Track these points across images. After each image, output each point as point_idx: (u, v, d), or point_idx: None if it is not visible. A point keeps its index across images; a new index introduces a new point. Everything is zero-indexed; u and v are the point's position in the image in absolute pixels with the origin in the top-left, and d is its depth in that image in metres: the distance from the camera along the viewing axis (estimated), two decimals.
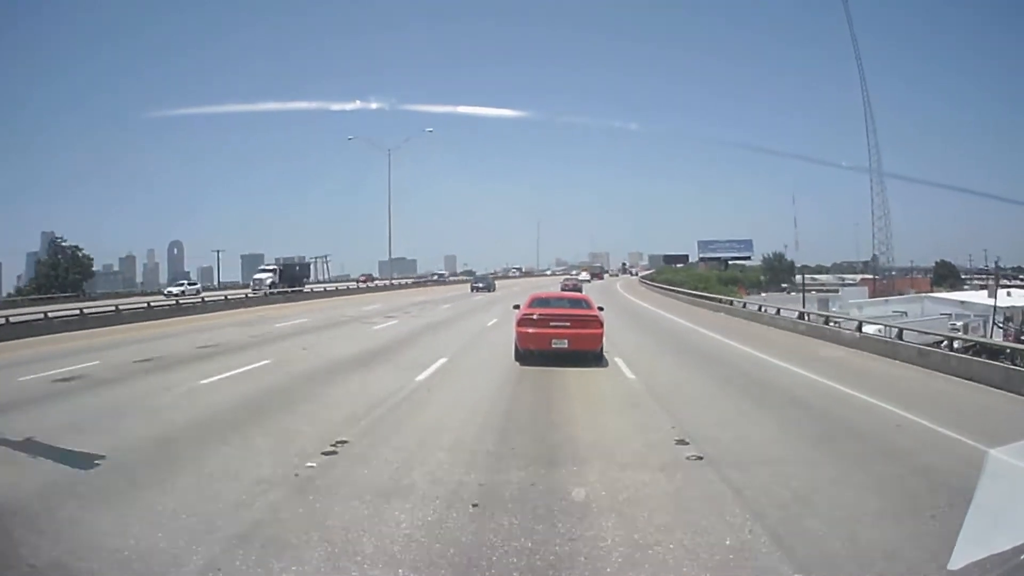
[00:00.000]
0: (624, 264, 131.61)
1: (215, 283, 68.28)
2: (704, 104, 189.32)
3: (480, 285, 48.78)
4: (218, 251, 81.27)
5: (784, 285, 69.23)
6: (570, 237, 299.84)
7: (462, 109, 3.54)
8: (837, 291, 61.25)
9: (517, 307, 12.64)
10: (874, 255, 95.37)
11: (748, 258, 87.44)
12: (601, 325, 11.62)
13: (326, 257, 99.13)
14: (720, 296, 32.04)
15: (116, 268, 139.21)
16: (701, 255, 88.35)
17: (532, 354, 11.23)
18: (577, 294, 17.86)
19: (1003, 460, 2.42)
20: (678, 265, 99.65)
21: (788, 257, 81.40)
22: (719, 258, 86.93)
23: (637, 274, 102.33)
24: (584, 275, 67.85)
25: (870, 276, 77.49)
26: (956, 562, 2.12)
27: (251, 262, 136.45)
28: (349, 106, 4.83)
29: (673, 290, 40.35)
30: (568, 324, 11.34)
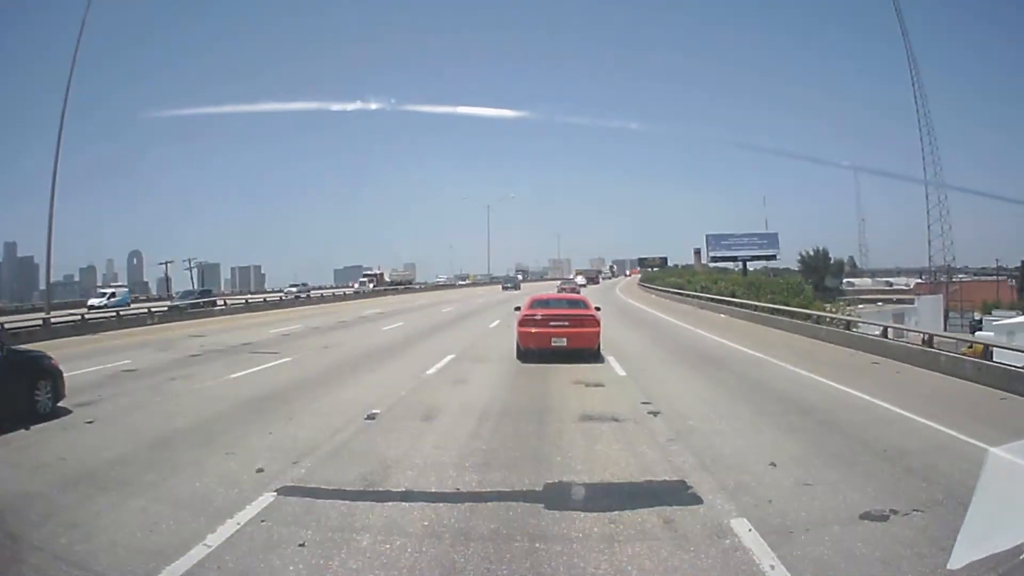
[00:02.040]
0: (613, 267, 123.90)
1: (169, 293, 57.75)
2: (693, 107, 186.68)
3: (509, 285, 61.05)
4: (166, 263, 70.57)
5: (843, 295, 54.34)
6: (529, 242, 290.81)
7: (461, 110, 3.55)
8: (912, 302, 48.72)
9: (518, 309, 13.29)
10: (850, 257, 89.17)
11: (774, 257, 69.30)
12: (598, 324, 12.34)
13: (189, 262, 72.00)
14: (808, 311, 20.96)
15: (77, 278, 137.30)
16: (712, 253, 69.34)
17: (532, 352, 11.90)
18: (575, 295, 18.11)
19: (1003, 459, 2.40)
20: (654, 268, 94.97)
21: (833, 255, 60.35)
22: (735, 257, 68.40)
23: (629, 274, 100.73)
24: (580, 279, 68.83)
25: (925, 280, 62.35)
26: (956, 562, 2.09)
27: (207, 271, 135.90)
28: (350, 106, 4.78)
29: (728, 301, 27.49)
30: (567, 323, 12.02)
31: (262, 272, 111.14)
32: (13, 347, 8.62)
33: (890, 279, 71.92)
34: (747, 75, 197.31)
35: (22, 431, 6.90)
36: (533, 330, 11.89)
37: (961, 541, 2.14)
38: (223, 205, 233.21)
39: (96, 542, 3.91)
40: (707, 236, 70.80)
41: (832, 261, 58.71)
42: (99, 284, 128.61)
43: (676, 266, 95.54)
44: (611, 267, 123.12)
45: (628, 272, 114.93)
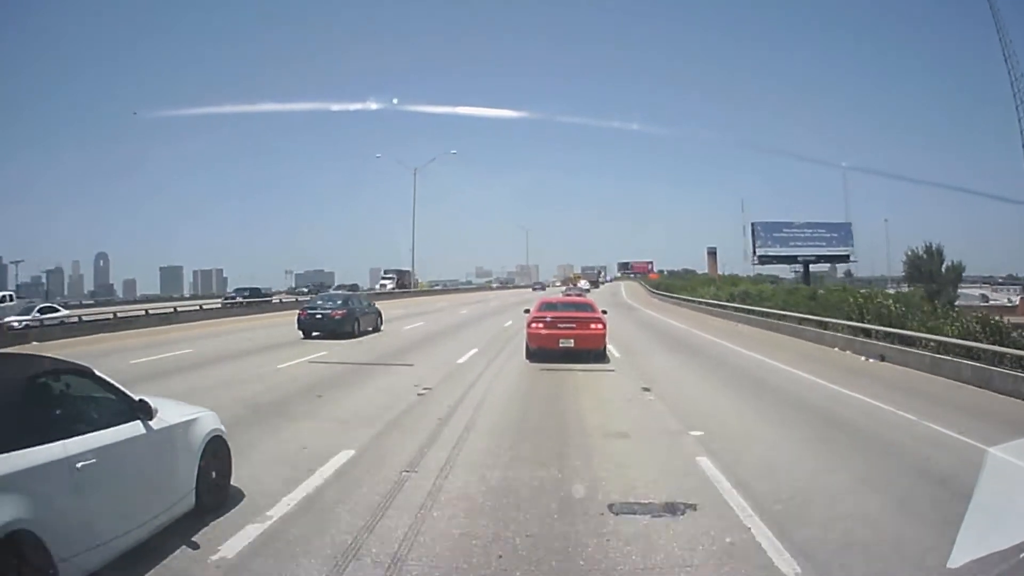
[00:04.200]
0: (600, 273, 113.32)
1: (135, 296, 53.66)
2: (675, 106, 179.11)
3: (538, 286, 71.16)
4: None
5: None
6: (493, 246, 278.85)
7: (461, 110, 3.57)
8: None
9: (527, 311, 13.85)
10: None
11: (847, 258, 50.34)
12: (604, 326, 12.75)
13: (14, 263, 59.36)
14: None
15: (44, 280, 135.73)
16: (761, 250, 49.21)
17: (541, 352, 12.32)
18: (581, 298, 18.46)
19: (1002, 459, 2.40)
20: (635, 275, 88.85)
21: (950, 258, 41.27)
22: (794, 257, 49.56)
23: (611, 280, 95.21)
24: (584, 283, 69.17)
25: None
26: (956, 560, 2.11)
27: (170, 275, 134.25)
28: (352, 107, 4.75)
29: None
30: (574, 325, 12.49)
31: (224, 276, 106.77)
32: (371, 303, 21.90)
33: (983, 291, 52.90)
34: (731, 74, 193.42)
35: (375, 334, 18.76)
36: (542, 331, 12.40)
37: (961, 540, 2.15)
38: (192, 207, 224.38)
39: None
40: (754, 226, 49.90)
41: (946, 265, 40.44)
42: (65, 287, 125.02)
43: (663, 272, 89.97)
44: (599, 272, 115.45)
45: (610, 278, 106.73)
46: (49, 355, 3.96)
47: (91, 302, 47.22)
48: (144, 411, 3.78)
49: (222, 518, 4.14)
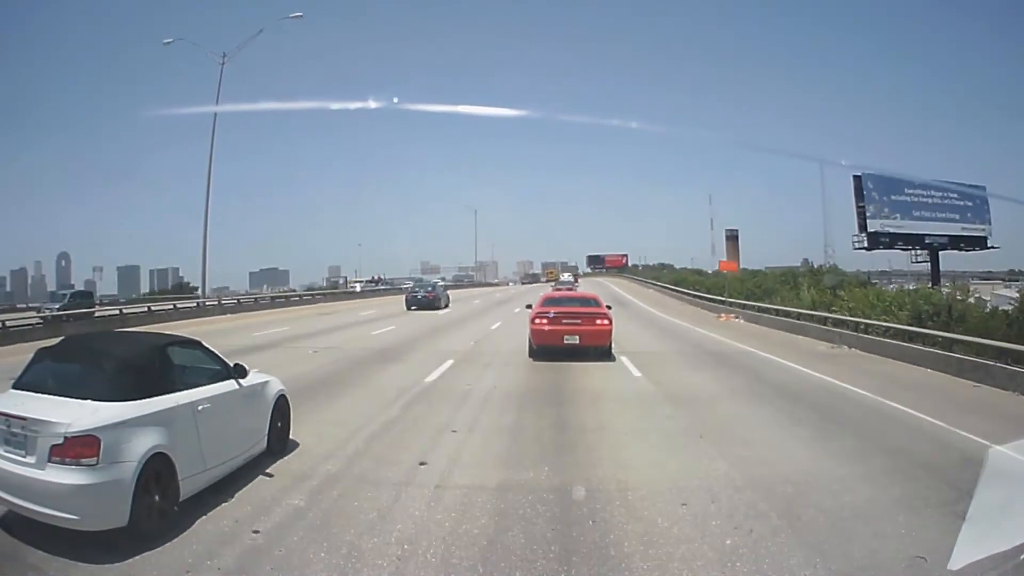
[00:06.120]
0: (577, 269, 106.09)
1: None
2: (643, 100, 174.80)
3: (528, 280, 77.09)
4: None
5: None
6: (443, 242, 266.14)
7: (462, 108, 3.51)
8: None
9: (530, 306, 13.64)
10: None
11: (983, 242, 33.23)
12: (610, 322, 12.61)
13: None
14: None
15: (8, 280, 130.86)
16: (874, 221, 31.62)
17: (545, 349, 12.18)
18: (586, 293, 18.16)
19: (1004, 457, 2.34)
20: (601, 268, 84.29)
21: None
22: (921, 237, 32.32)
23: (581, 276, 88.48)
24: (567, 276, 68.35)
25: None
26: (956, 561, 2.07)
27: (127, 274, 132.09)
28: (351, 105, 4.67)
29: None
30: (579, 321, 12.30)
31: (180, 275, 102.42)
32: (445, 288, 33.89)
33: None
34: (710, 69, 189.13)
35: (445, 311, 27.17)
36: (546, 328, 12.19)
37: (961, 541, 2.10)
38: (150, 204, 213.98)
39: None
40: (860, 181, 31.77)
41: None
42: (28, 287, 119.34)
43: (636, 266, 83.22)
44: (576, 267, 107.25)
45: (578, 274, 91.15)
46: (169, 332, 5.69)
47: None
48: (240, 372, 5.09)
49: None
